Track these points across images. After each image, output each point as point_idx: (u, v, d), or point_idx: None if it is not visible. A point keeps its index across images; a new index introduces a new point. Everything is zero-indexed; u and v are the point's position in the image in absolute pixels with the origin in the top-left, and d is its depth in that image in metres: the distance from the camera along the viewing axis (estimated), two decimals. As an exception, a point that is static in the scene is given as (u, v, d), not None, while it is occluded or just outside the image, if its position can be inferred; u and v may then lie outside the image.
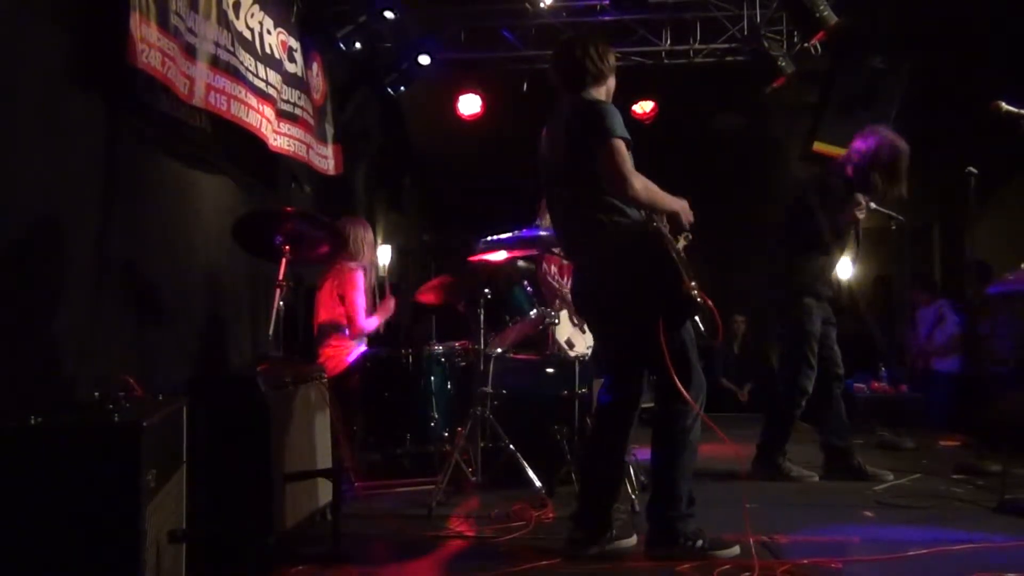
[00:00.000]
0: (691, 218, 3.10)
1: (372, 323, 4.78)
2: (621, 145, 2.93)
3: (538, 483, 3.93)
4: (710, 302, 3.01)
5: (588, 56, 3.14)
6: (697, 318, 3.02)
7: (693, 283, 2.92)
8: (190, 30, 3.98)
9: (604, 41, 3.24)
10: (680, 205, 3.08)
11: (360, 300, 4.69)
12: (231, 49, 4.41)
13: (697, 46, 7.13)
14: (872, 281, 8.53)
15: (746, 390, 8.81)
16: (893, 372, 7.05)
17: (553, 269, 5.21)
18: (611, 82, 3.24)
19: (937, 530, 3.34)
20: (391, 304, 4.96)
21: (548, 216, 3.45)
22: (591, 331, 3.22)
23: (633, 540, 3.12)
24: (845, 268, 8.98)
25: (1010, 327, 5.91)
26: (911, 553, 3.01)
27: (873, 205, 5.97)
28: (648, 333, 2.90)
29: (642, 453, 4.71)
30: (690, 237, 3.74)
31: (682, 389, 2.91)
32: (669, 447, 3.03)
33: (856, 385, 6.99)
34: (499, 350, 4.56)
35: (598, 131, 2.94)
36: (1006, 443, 4.39)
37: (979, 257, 6.29)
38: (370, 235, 4.98)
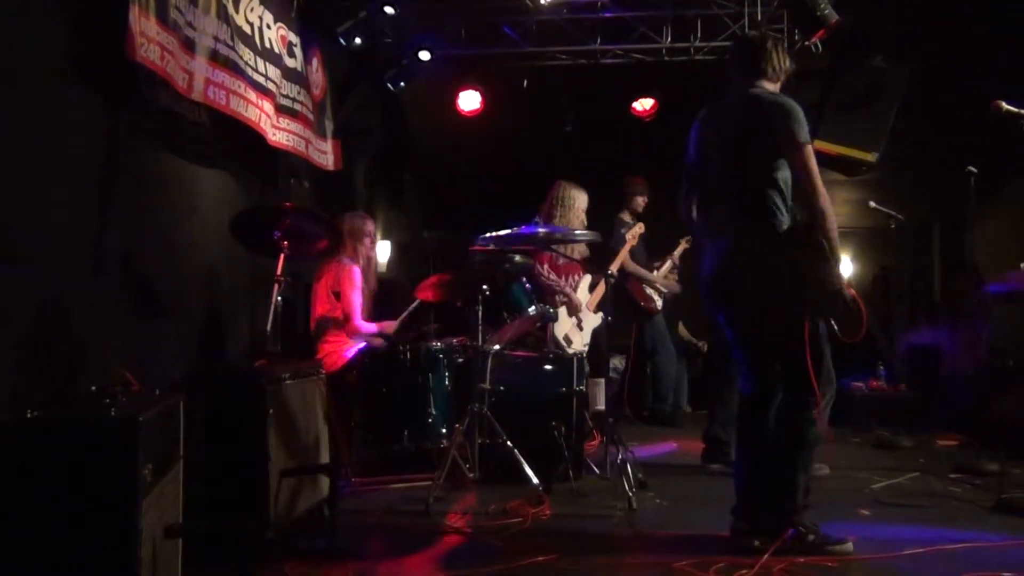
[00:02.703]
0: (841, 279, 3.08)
1: (369, 328, 4.77)
2: (811, 153, 3.04)
3: (535, 480, 3.93)
4: (860, 301, 3.07)
5: (776, 51, 3.25)
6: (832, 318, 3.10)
7: (845, 279, 3.01)
8: (189, 24, 3.98)
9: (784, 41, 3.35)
10: (840, 254, 3.09)
11: (356, 298, 4.68)
12: (230, 43, 4.40)
13: (698, 44, 7.12)
14: (872, 279, 8.54)
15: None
16: (891, 371, 7.05)
17: (546, 267, 5.21)
18: (780, 79, 3.32)
19: (934, 529, 3.34)
20: (393, 326, 4.95)
21: (693, 208, 3.40)
22: (725, 320, 3.21)
23: (849, 546, 3.03)
24: (845, 267, 9.02)
25: (1008, 326, 5.92)
26: (907, 552, 3.02)
27: (872, 204, 5.98)
28: (793, 325, 2.98)
29: (640, 451, 4.74)
30: (691, 240, 3.78)
31: (815, 386, 3.00)
32: (792, 439, 3.06)
33: (854, 384, 6.99)
34: (497, 347, 4.56)
35: (791, 133, 3.03)
36: (1004, 442, 4.40)
37: (980, 256, 6.29)
38: (370, 227, 4.97)
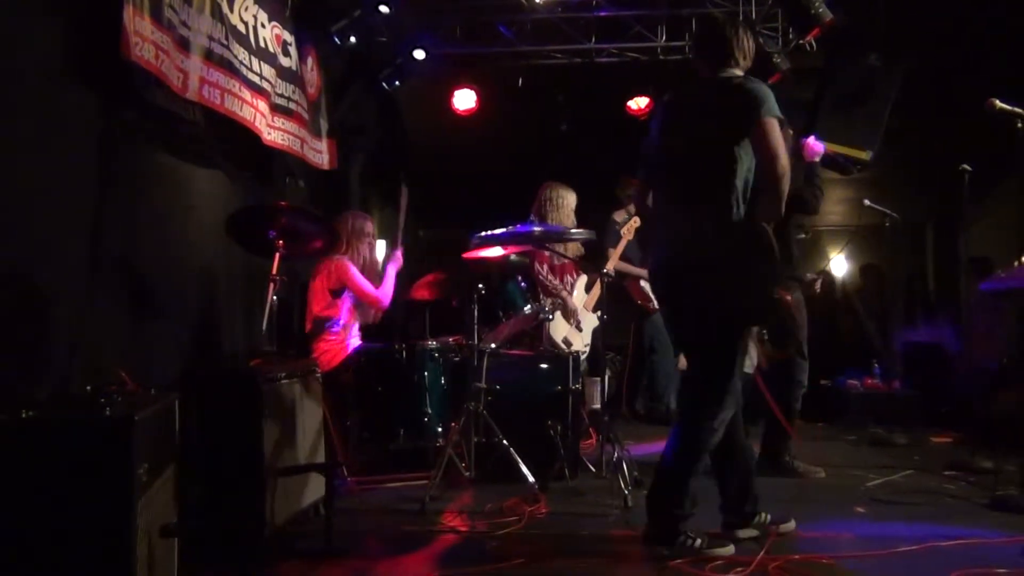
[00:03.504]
0: None
1: (387, 292, 4.74)
2: (775, 124, 2.92)
3: (531, 478, 3.94)
4: (793, 315, 3.02)
5: (737, 36, 3.14)
6: (765, 329, 3.05)
7: (783, 289, 2.94)
8: (184, 23, 3.97)
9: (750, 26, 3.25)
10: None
11: (363, 282, 4.67)
12: (225, 42, 4.39)
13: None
14: (860, 270, 8.58)
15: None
16: (886, 368, 7.07)
17: (545, 268, 5.22)
18: (744, 65, 3.19)
19: (929, 526, 3.35)
20: (399, 255, 4.91)
21: (641, 203, 3.39)
22: (667, 312, 3.20)
23: (731, 549, 3.02)
24: (839, 264, 9.04)
25: (1004, 324, 5.93)
26: (902, 549, 3.03)
27: (867, 202, 5.99)
28: (726, 324, 2.95)
29: (636, 449, 4.74)
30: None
31: (770, 389, 3.00)
32: (689, 446, 3.03)
33: (849, 381, 7.00)
34: (493, 345, 4.56)
35: (753, 107, 2.92)
36: (999, 440, 4.41)
37: (974, 254, 6.31)
38: (370, 227, 4.96)
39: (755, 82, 3.03)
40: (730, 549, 2.97)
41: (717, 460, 3.18)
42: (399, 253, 4.95)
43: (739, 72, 3.13)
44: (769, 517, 3.24)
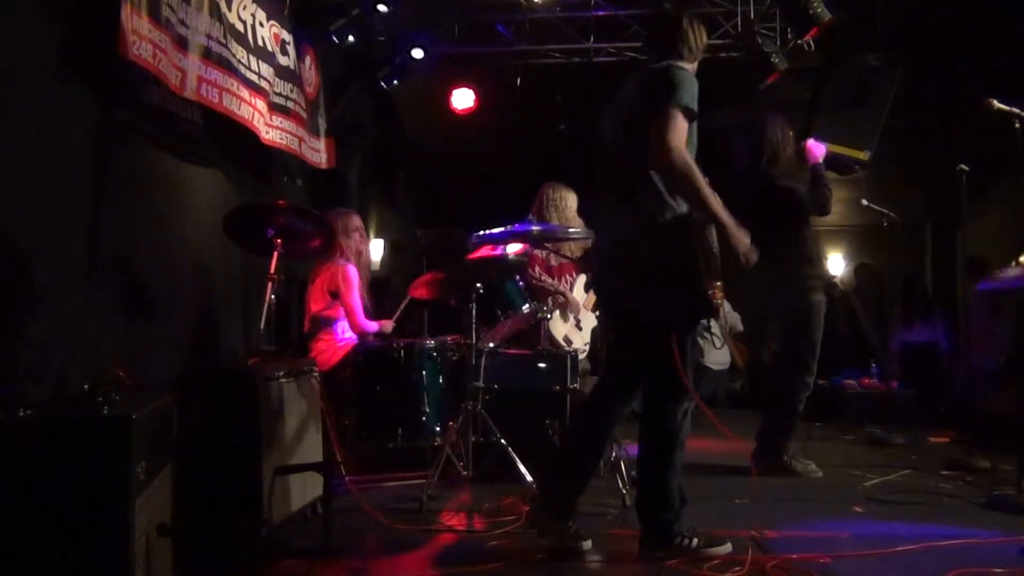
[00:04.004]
0: (748, 251, 2.91)
1: (373, 326, 4.78)
2: (679, 116, 2.75)
3: (529, 477, 3.94)
4: (725, 313, 2.97)
5: (682, 28, 3.02)
6: (713, 322, 2.99)
7: (716, 285, 2.85)
8: (182, 22, 3.97)
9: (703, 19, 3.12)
10: (732, 224, 2.86)
11: (356, 300, 4.67)
12: (223, 41, 4.39)
13: (691, 42, 7.12)
14: (857, 270, 8.59)
15: (739, 384, 8.83)
16: (883, 368, 7.07)
17: (538, 270, 5.22)
18: (692, 59, 3.07)
19: (926, 526, 3.35)
20: (390, 325, 4.95)
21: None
22: (604, 312, 3.17)
23: (728, 547, 2.97)
24: (837, 265, 9.05)
25: (1001, 324, 5.94)
26: (900, 548, 3.03)
27: (865, 202, 6.00)
28: (662, 326, 2.89)
29: (634, 449, 4.73)
30: None
31: (687, 381, 2.89)
32: (660, 446, 3.00)
33: (846, 381, 7.01)
34: (491, 345, 4.56)
35: (665, 95, 2.77)
36: (996, 439, 4.42)
37: (972, 254, 6.31)
38: (356, 222, 4.94)
39: (682, 71, 2.88)
40: (727, 547, 2.96)
41: (585, 451, 3.16)
42: (390, 324, 4.96)
43: (680, 64, 2.98)
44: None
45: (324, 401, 3.66)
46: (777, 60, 6.58)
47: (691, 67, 3.03)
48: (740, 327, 7.53)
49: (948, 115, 7.38)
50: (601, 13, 6.96)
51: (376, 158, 8.25)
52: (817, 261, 4.59)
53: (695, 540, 2.94)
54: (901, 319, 7.44)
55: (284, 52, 5.37)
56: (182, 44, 3.96)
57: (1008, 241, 4.87)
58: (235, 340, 4.85)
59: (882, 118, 5.31)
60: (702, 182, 2.79)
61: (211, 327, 4.64)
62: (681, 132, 2.77)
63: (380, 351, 4.66)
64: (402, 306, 5.09)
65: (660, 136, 2.75)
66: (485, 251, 4.37)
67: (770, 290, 4.60)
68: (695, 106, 2.82)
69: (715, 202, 2.82)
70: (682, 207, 2.90)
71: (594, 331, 5.34)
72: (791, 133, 4.69)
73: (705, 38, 3.11)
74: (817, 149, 4.61)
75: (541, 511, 3.06)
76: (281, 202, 3.98)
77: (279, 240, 3.71)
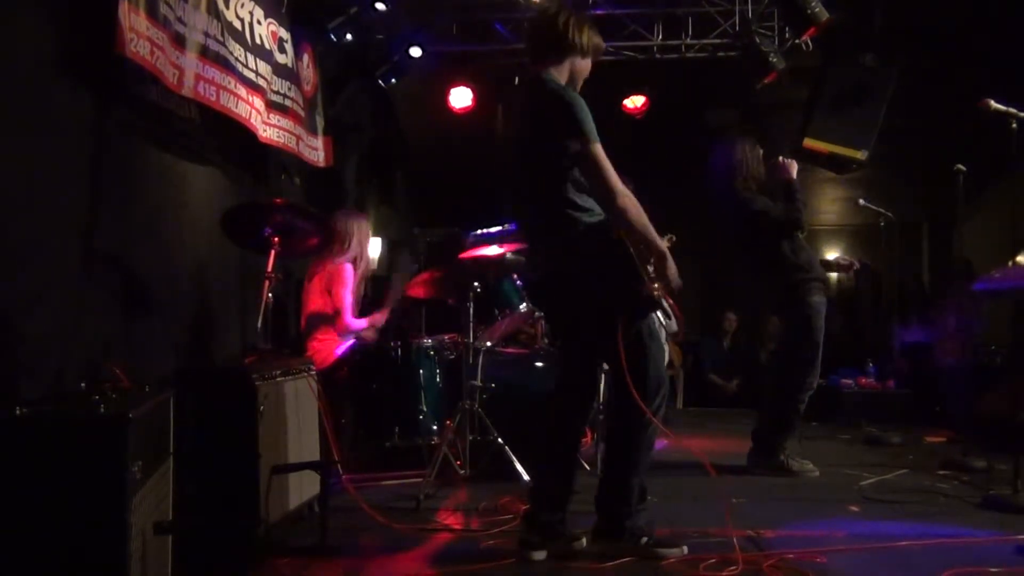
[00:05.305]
0: (675, 275, 2.91)
1: (359, 324, 4.76)
2: (601, 151, 2.78)
3: (526, 476, 3.94)
4: (671, 301, 2.97)
5: (576, 29, 2.95)
6: (660, 314, 2.97)
7: (655, 284, 2.85)
8: (179, 19, 3.96)
9: (588, 20, 3.04)
10: (663, 248, 2.88)
11: (347, 297, 4.67)
12: (221, 39, 4.38)
13: (689, 41, 7.13)
14: (861, 277, 8.60)
15: (734, 384, 8.85)
16: (880, 367, 7.09)
17: None
18: (581, 64, 3.02)
19: (922, 525, 3.36)
20: (382, 318, 4.94)
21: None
22: (547, 323, 3.15)
23: (683, 550, 2.94)
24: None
25: (995, 323, 5.96)
26: (896, 547, 3.03)
27: (862, 201, 6.00)
28: (607, 330, 2.86)
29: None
30: (673, 239, 3.63)
31: (634, 391, 2.83)
32: (623, 442, 2.99)
33: (843, 381, 7.02)
34: (488, 343, 4.56)
35: (573, 133, 2.77)
36: (992, 439, 4.43)
37: (968, 254, 6.33)
38: (365, 227, 4.96)
39: (572, 96, 2.85)
40: (680, 551, 2.91)
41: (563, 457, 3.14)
42: (382, 316, 4.94)
43: (556, 75, 2.95)
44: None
45: (321, 400, 3.66)
46: (775, 59, 6.59)
47: (585, 63, 3.02)
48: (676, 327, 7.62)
49: (945, 115, 7.39)
50: (599, 12, 6.95)
51: (374, 156, 8.24)
52: (809, 265, 4.59)
53: (644, 539, 2.92)
54: (898, 318, 7.46)
55: (282, 50, 5.36)
56: (180, 42, 3.95)
57: (1005, 240, 4.89)
58: (232, 338, 4.84)
59: (879, 118, 5.31)
60: (644, 216, 2.84)
61: (208, 325, 4.63)
62: (610, 168, 2.80)
63: (377, 349, 4.66)
64: (392, 292, 5.04)
65: (599, 182, 2.79)
66: (481, 249, 4.37)
67: (770, 302, 4.62)
68: (595, 127, 2.82)
69: (650, 227, 2.85)
70: (595, 216, 2.89)
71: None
72: (760, 152, 4.70)
73: (596, 38, 3.04)
74: (789, 167, 4.63)
75: (531, 529, 3.02)
76: (279, 200, 3.97)
77: (276, 238, 3.71)
